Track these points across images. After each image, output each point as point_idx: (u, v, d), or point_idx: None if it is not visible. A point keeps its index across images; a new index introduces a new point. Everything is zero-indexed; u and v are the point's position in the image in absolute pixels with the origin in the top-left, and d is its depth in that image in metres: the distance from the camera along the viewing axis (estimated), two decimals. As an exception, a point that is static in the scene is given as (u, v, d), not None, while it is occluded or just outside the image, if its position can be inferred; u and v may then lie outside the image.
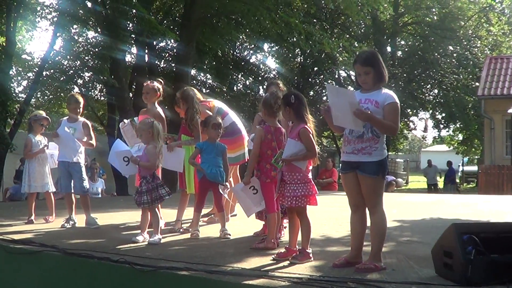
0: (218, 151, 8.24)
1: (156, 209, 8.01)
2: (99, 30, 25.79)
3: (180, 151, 8.84)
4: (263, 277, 5.52)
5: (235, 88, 37.06)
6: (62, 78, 28.81)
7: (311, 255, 6.37)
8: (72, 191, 9.76)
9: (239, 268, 5.93)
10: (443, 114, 42.61)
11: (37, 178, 10.35)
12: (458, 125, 43.75)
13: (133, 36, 24.81)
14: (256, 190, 7.35)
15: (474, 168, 49.69)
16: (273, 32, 27.60)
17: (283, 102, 6.73)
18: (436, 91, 41.85)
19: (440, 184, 35.37)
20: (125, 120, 9.43)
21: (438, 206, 13.69)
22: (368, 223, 6.09)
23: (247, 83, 38.77)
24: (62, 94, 30.34)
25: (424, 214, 11.40)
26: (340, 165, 6.26)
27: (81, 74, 30.88)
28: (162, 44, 29.39)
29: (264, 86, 36.37)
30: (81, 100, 9.94)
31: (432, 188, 33.53)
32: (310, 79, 41.53)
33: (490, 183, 26.59)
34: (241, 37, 29.90)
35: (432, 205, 13.78)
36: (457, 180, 38.80)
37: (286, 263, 6.25)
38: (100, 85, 31.50)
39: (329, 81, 41.01)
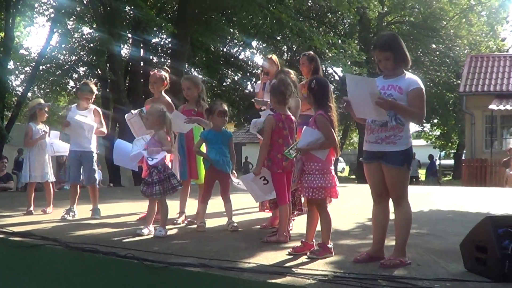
0: (224, 139, 7.54)
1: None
2: (94, 26, 25.24)
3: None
4: (285, 274, 4.81)
5: (224, 83, 36.34)
6: (58, 73, 28.78)
7: (332, 250, 5.69)
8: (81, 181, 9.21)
9: (257, 264, 5.23)
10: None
11: (36, 168, 9.76)
12: (436, 121, 43.47)
13: (128, 31, 24.23)
14: (266, 181, 6.69)
15: (450, 161, 49.86)
16: (263, 29, 27.03)
17: (307, 87, 6.04)
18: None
19: (422, 177, 34.95)
20: (132, 111, 8.69)
21: (429, 197, 13.18)
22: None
23: (236, 78, 38.13)
24: (57, 88, 30.10)
25: (420, 206, 10.68)
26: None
27: (76, 68, 30.61)
28: (156, 40, 28.74)
29: (253, 82, 36.40)
30: (95, 90, 9.43)
31: (413, 180, 33.03)
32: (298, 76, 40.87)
33: (473, 175, 26.31)
34: (232, 31, 29.18)
35: (424, 197, 13.18)
36: (436, 173, 38.54)
37: (304, 258, 5.57)
38: (95, 79, 30.94)
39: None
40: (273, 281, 4.64)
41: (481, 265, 4.78)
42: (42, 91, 31.76)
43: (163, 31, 25.49)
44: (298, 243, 5.93)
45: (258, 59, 38.91)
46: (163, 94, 8.79)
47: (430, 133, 51.78)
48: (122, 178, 23.66)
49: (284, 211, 6.65)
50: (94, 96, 9.39)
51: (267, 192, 6.82)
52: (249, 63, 38.85)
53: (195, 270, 5.03)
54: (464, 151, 36.07)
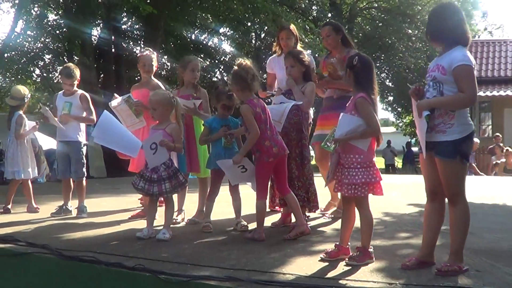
0: (230, 129, 6.70)
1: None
2: (60, 13, 24.29)
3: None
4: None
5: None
6: (23, 61, 27.70)
7: (372, 255, 4.94)
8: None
9: (295, 276, 4.43)
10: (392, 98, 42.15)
11: (30, 163, 8.88)
12: (404, 108, 43.05)
13: (99, 17, 23.32)
14: (245, 169, 6.22)
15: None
16: (234, 14, 26.27)
17: (346, 64, 5.24)
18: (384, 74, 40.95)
19: (399, 165, 34.49)
20: (117, 99, 7.74)
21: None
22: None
23: (204, 66, 37.30)
24: (23, 76, 29.33)
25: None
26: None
27: (42, 56, 29.57)
28: (128, 25, 27.85)
29: (221, 69, 35.63)
30: (76, 73, 8.30)
31: (390, 168, 32.49)
32: (263, 64, 40.14)
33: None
34: (204, 15, 28.30)
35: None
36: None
37: (342, 265, 4.81)
38: (61, 67, 30.05)
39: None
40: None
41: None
42: (7, 80, 30.66)
43: (136, 14, 24.53)
44: (326, 246, 5.20)
45: (226, 46, 38.30)
46: (152, 77, 8.01)
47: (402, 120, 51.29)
48: (91, 169, 22.65)
49: (292, 200, 6.16)
50: (77, 80, 8.33)
51: (244, 179, 6.46)
52: (218, 50, 38.10)
53: (224, 286, 4.22)
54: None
